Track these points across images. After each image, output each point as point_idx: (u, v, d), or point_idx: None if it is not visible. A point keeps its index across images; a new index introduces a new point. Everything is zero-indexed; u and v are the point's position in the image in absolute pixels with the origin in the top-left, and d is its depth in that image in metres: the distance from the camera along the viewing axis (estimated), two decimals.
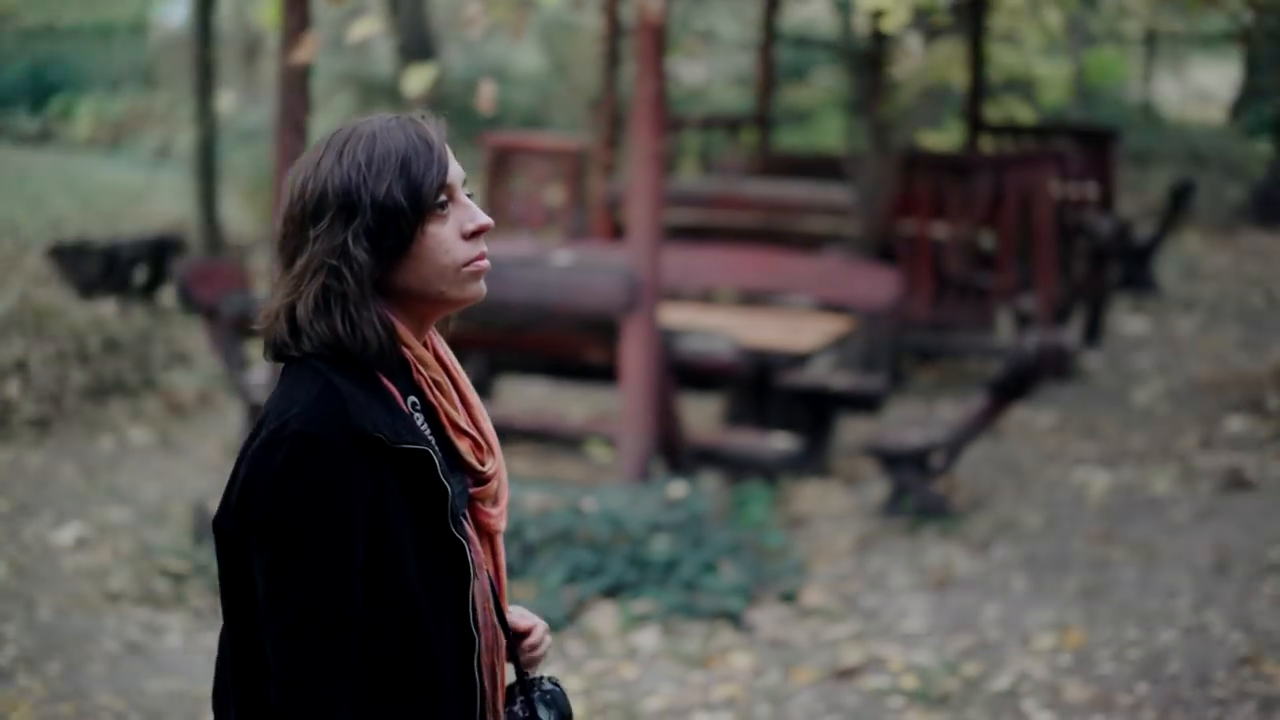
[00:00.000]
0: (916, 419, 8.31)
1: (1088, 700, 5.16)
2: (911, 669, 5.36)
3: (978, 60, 10.93)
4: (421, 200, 2.06)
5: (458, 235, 2.10)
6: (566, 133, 13.87)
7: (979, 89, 11.08)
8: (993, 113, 12.37)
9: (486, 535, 2.17)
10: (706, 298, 8.41)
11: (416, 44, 15.93)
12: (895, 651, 5.52)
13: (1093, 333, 10.46)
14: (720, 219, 9.77)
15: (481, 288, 2.13)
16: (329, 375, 2.04)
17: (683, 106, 15.14)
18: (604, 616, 5.73)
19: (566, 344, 7.38)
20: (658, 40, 6.54)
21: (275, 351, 2.10)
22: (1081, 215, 10.65)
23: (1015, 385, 7.09)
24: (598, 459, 7.27)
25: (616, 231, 9.42)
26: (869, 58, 9.48)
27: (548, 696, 2.25)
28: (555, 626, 5.40)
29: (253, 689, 2.06)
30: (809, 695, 5.18)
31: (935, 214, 9.10)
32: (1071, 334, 9.20)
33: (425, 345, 2.15)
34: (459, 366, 2.21)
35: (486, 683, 2.13)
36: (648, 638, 5.61)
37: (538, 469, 7.42)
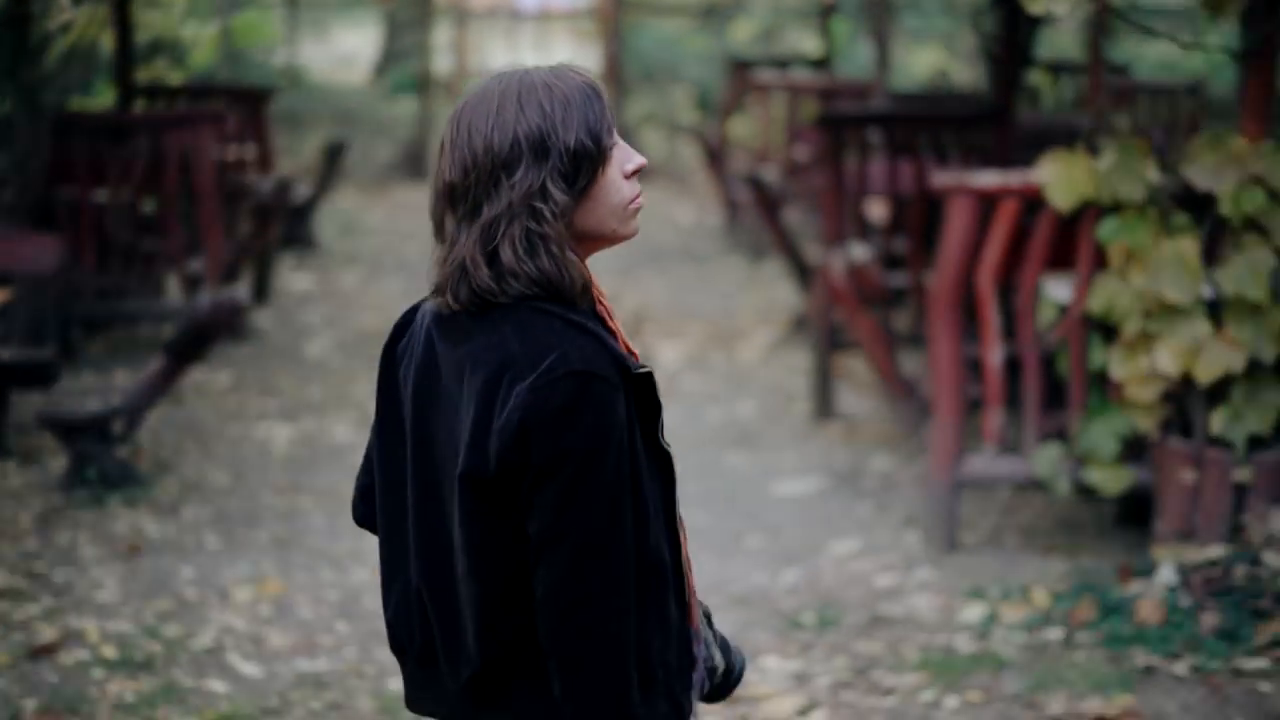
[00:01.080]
0: (93, 389, 8.10)
1: (291, 646, 5.28)
2: (110, 638, 5.26)
3: (124, 22, 10.71)
4: (601, 142, 2.18)
5: (621, 175, 2.22)
6: None
7: (127, 51, 10.85)
8: (142, 75, 12.16)
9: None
10: None
11: None
12: (92, 623, 5.40)
13: (261, 291, 10.58)
14: None
15: (638, 224, 2.26)
16: (560, 314, 2.17)
17: None
18: None
19: None
20: None
21: (475, 298, 2.17)
22: (242, 176, 10.72)
23: (190, 346, 7.08)
24: None
25: None
26: (12, 16, 9.05)
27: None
28: None
29: (512, 622, 2.18)
30: (4, 680, 4.96)
31: (95, 179, 8.86)
32: (242, 292, 9.25)
33: None
34: None
35: (690, 577, 2.30)
36: None
37: None
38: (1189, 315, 5.59)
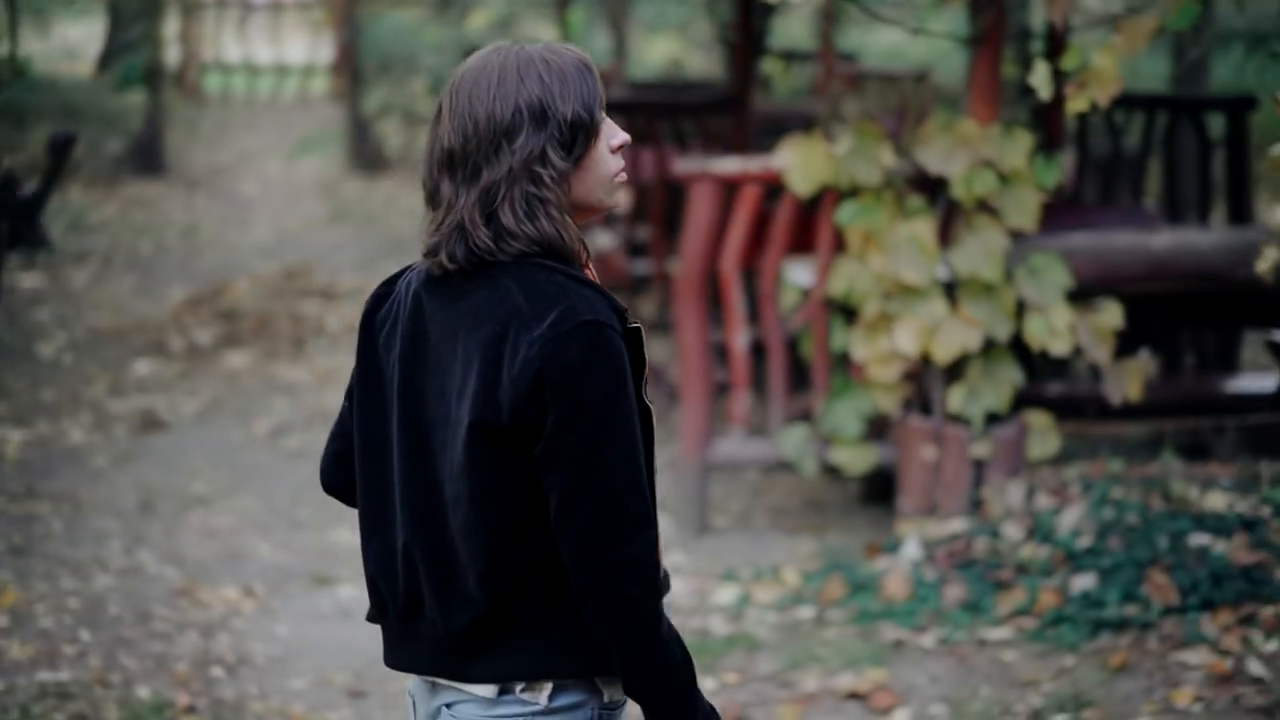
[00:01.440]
0: None
1: (31, 657, 5.09)
2: None
3: None
4: (594, 114, 2.27)
5: (608, 149, 2.31)
6: None
7: None
8: None
9: None
10: None
11: None
12: None
13: None
14: None
15: (621, 196, 2.38)
16: (563, 270, 2.24)
17: None
18: None
19: None
20: None
21: (473, 257, 2.24)
22: None
23: None
24: None
25: None
26: None
27: None
28: None
29: (512, 572, 2.25)
30: None
31: None
32: None
33: None
34: None
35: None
36: None
37: None
38: (926, 296, 5.74)
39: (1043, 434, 5.91)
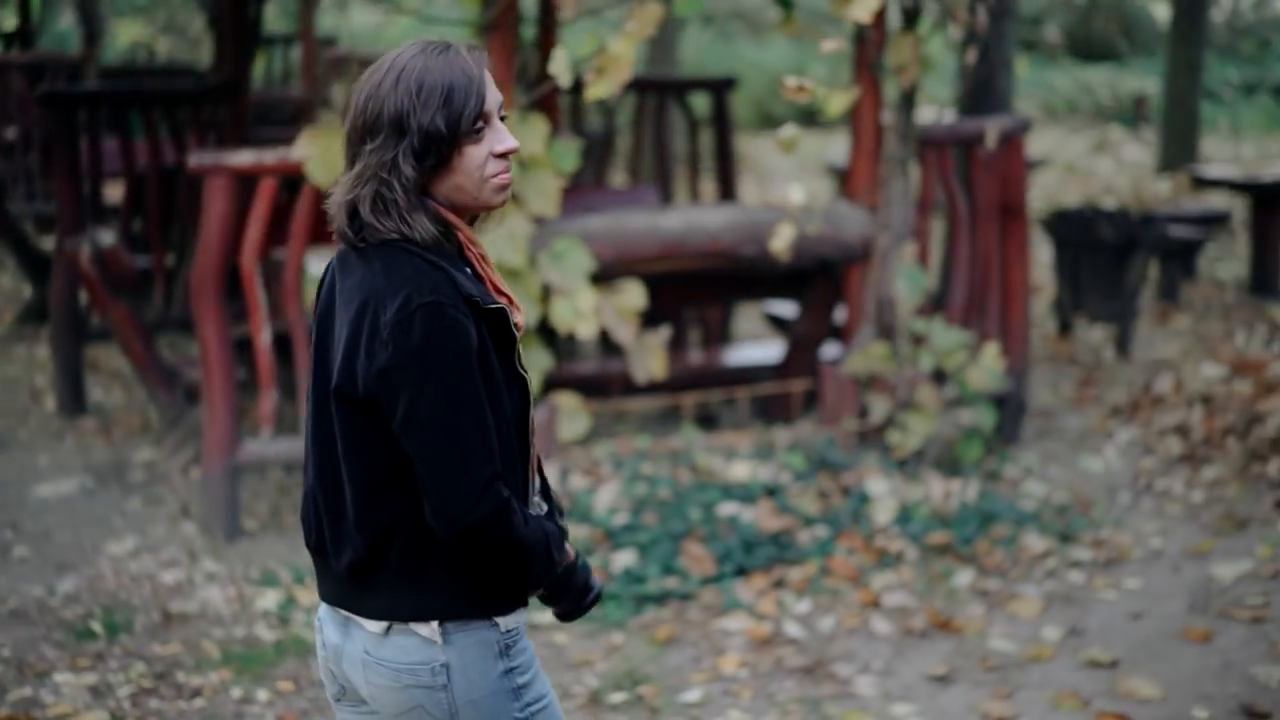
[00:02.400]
0: None
1: None
2: None
3: None
4: (460, 127, 2.44)
5: (488, 154, 2.49)
6: None
7: None
8: None
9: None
10: None
11: None
12: None
13: None
14: None
15: (507, 195, 2.57)
16: (421, 255, 2.46)
17: None
18: None
19: None
20: None
21: (344, 238, 2.50)
22: None
23: None
24: None
25: None
26: None
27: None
28: None
29: (380, 522, 2.51)
30: None
31: None
32: None
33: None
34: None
35: (536, 480, 2.66)
36: None
37: None
38: None
39: (572, 415, 6.00)
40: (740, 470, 5.90)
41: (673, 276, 6.55)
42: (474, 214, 2.58)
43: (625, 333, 5.90)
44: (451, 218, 2.52)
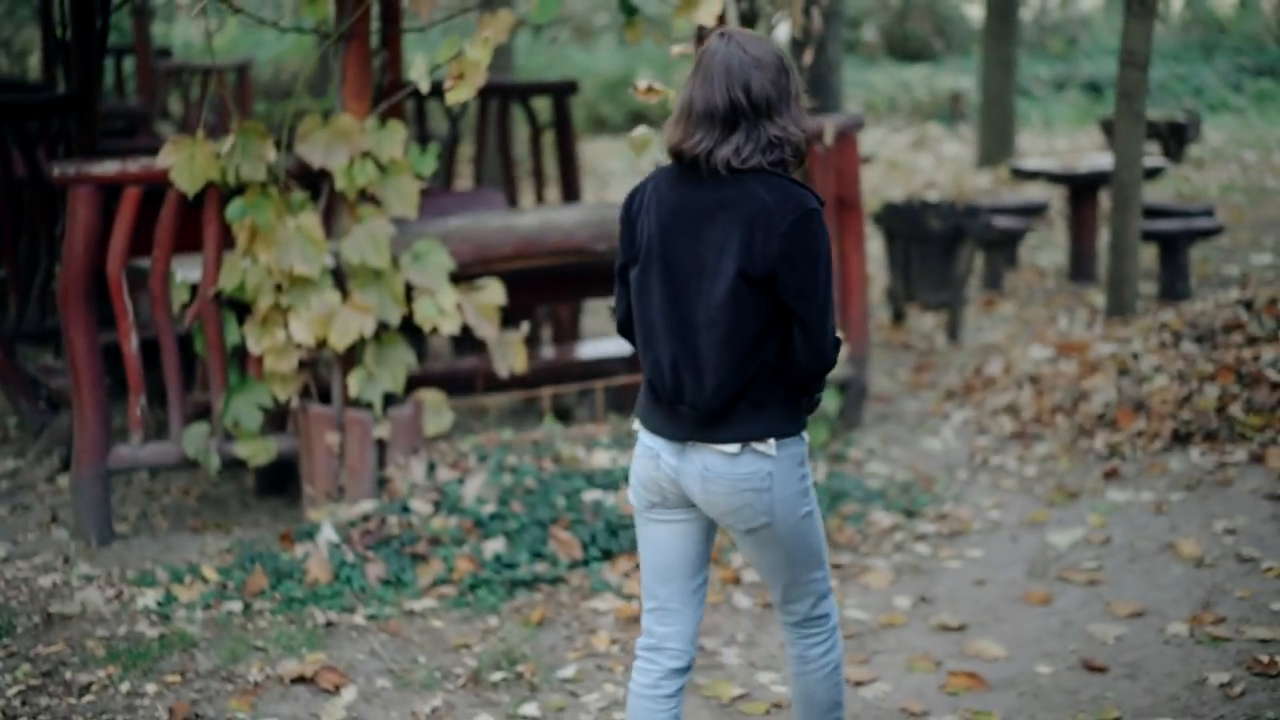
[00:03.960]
0: None
1: None
2: None
3: None
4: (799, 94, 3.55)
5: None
6: None
7: None
8: None
9: None
10: None
11: None
12: None
13: None
14: None
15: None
16: (786, 178, 3.47)
17: None
18: None
19: None
20: None
21: (729, 169, 3.44)
22: None
23: None
24: None
25: None
26: None
27: None
28: None
29: (742, 378, 3.49)
30: None
31: None
32: None
33: None
34: None
35: None
36: None
37: None
38: (318, 286, 5.89)
39: (436, 410, 6.19)
40: (601, 458, 6.14)
41: (530, 274, 6.76)
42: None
43: (488, 329, 6.10)
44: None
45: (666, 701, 3.73)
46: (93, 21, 7.96)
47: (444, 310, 6.01)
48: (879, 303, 10.56)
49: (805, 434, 3.61)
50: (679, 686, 3.75)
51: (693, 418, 3.52)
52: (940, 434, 7.66)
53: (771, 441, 3.51)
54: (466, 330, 6.44)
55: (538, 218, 6.46)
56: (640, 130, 5.47)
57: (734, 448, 3.51)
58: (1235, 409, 7.23)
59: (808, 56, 7.26)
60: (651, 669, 3.76)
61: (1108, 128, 17.42)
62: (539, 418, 7.87)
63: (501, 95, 9.21)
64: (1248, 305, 8.17)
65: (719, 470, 3.53)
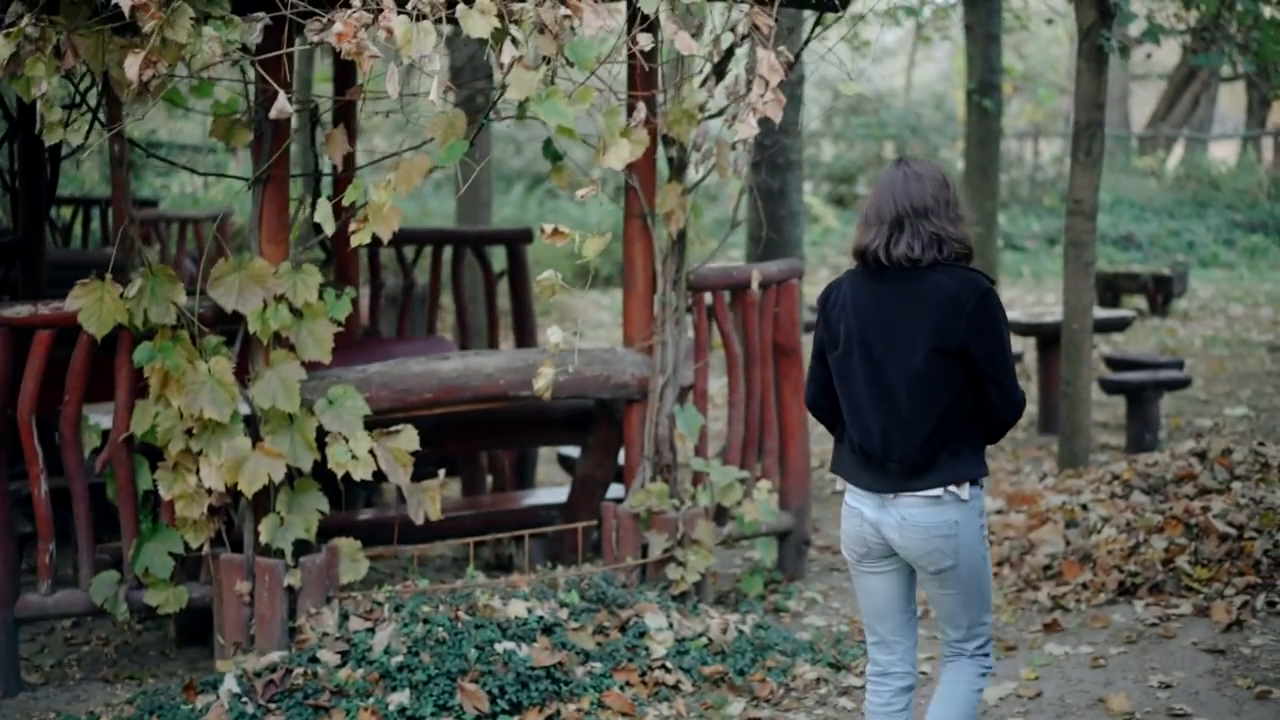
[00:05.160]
0: None
1: None
2: None
3: None
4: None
5: None
6: None
7: None
8: None
9: None
10: None
11: None
12: None
13: None
14: None
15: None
16: (961, 267, 4.22)
17: None
18: None
19: None
20: None
21: (909, 263, 4.20)
22: None
23: None
24: None
25: None
26: None
27: None
28: None
29: (942, 435, 4.23)
30: None
31: None
32: None
33: None
34: None
35: None
36: None
37: None
38: (230, 431, 5.81)
39: (351, 559, 6.08)
40: (518, 608, 6.01)
41: (458, 419, 6.69)
42: None
43: (401, 476, 6.01)
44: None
45: (900, 715, 4.50)
46: (42, 169, 8.00)
47: (357, 456, 5.92)
48: None
49: (985, 482, 4.59)
50: (907, 702, 4.51)
51: (900, 472, 4.23)
52: None
53: (966, 485, 4.24)
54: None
55: (460, 363, 6.40)
56: (546, 275, 5.43)
57: (937, 491, 4.23)
58: (1182, 560, 7.10)
59: (751, 207, 7.22)
60: (883, 689, 4.53)
61: (1097, 282, 17.45)
62: (483, 565, 7.76)
63: (455, 243, 9.22)
64: (1201, 456, 8.06)
65: (915, 519, 4.24)
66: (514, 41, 5.28)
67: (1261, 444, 8.25)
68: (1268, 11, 9.61)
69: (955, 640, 4.45)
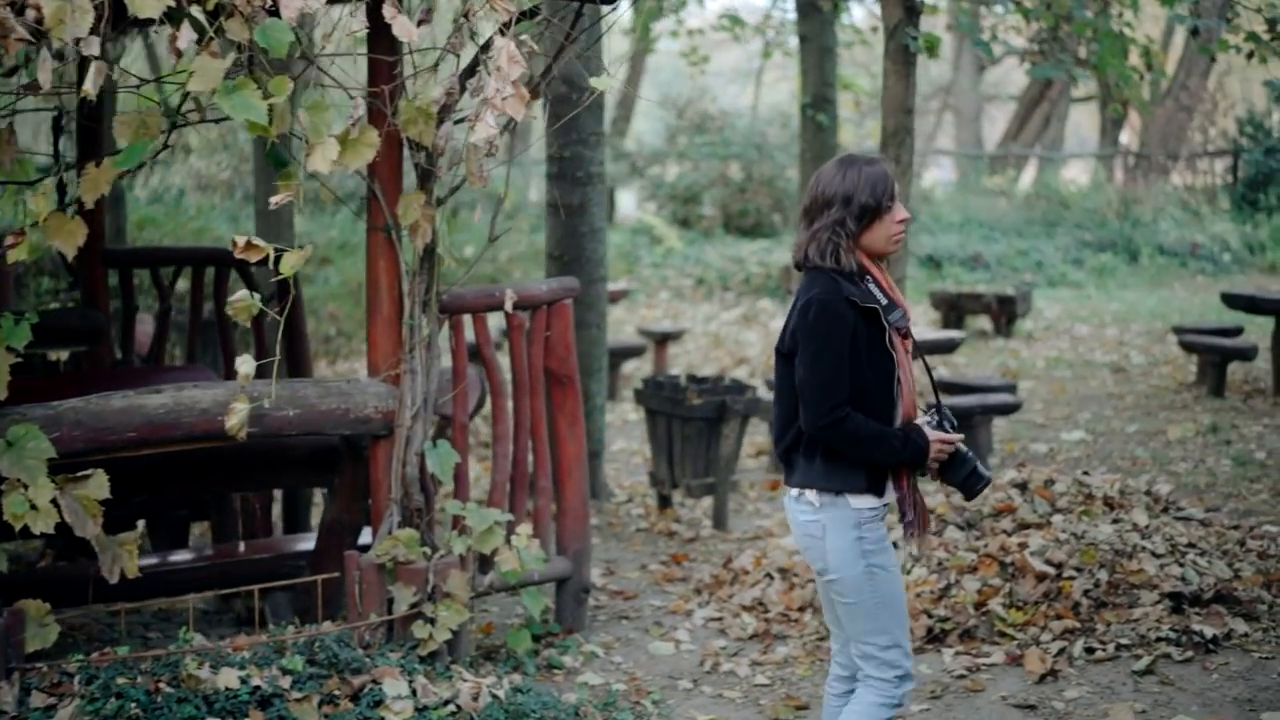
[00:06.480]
0: None
1: None
2: None
3: None
4: (881, 204, 4.25)
5: (894, 221, 4.29)
6: None
7: None
8: None
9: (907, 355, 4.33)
10: None
11: None
12: None
13: None
14: None
15: (899, 247, 4.62)
16: (833, 274, 4.22)
17: None
18: None
19: None
20: None
21: (799, 265, 4.31)
22: None
23: None
24: None
25: None
26: None
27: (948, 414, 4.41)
28: None
29: (790, 433, 4.33)
30: None
31: None
32: None
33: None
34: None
35: (906, 401, 4.31)
36: None
37: None
38: None
39: (39, 623, 5.26)
40: (230, 677, 5.23)
41: (181, 460, 5.91)
42: (880, 255, 4.33)
43: (90, 528, 5.20)
44: (866, 261, 4.28)
45: (839, 699, 4.53)
46: None
47: (37, 506, 5.11)
48: (645, 488, 9.76)
49: (873, 500, 4.23)
50: (848, 689, 4.52)
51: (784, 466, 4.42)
52: (676, 635, 6.82)
53: (811, 493, 4.26)
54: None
55: (170, 398, 5.57)
56: (240, 295, 4.68)
57: (795, 491, 4.34)
58: (996, 603, 6.49)
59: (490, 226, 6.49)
60: (830, 676, 4.59)
61: (941, 302, 16.96)
62: (235, 621, 6.97)
63: (217, 263, 8.36)
64: (1023, 487, 7.48)
65: (790, 512, 4.38)
66: (194, 24, 4.53)
67: (1086, 473, 7.69)
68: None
69: (856, 657, 4.41)
